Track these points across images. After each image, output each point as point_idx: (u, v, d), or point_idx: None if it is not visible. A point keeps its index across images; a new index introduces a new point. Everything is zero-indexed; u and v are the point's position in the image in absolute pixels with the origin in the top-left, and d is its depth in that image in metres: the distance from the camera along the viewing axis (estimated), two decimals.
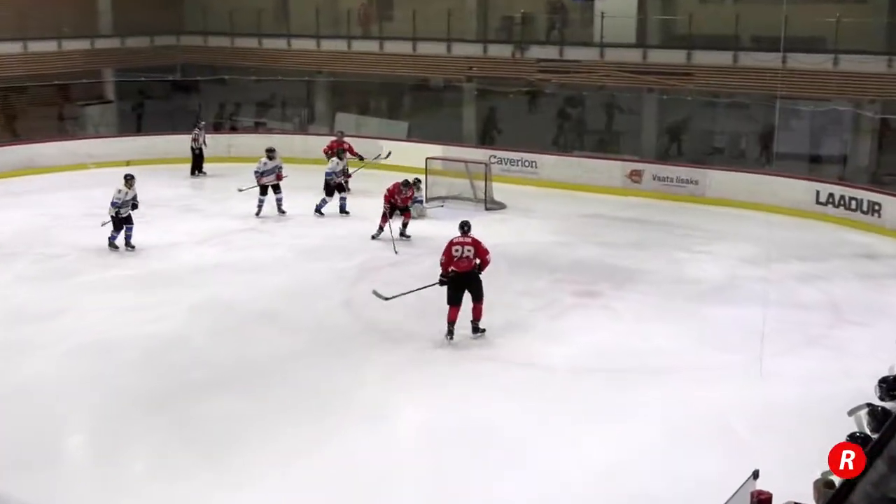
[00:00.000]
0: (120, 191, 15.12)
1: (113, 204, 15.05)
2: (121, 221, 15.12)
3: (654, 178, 19.53)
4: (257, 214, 17.54)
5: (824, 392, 9.67)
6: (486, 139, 23.02)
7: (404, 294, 12.02)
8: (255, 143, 23.20)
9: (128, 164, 22.52)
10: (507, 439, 8.87)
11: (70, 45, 24.51)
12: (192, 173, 21.44)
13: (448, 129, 23.05)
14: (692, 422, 9.23)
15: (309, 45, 24.51)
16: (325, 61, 24.61)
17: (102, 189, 19.85)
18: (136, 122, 26.24)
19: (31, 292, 13.25)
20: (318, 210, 17.66)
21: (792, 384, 10.05)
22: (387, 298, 11.91)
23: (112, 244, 15.14)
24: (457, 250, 11.26)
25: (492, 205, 18.46)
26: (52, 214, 17.81)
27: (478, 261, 11.33)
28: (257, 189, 17.63)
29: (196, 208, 18.67)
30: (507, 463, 8.51)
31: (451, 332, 11.28)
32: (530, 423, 9.22)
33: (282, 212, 17.71)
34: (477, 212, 17.96)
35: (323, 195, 17.71)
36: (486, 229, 16.45)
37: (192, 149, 21.50)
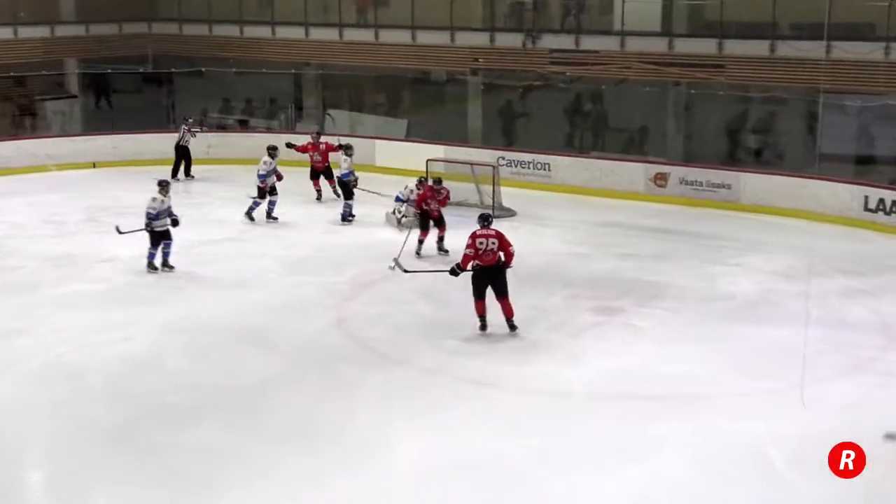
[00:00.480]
0: (154, 199, 14.59)
1: (147, 215, 14.51)
2: (159, 236, 14.65)
3: (680, 182, 19.59)
4: (249, 215, 17.77)
5: (873, 422, 9.68)
6: (509, 137, 23.05)
7: (422, 272, 13.73)
8: (237, 142, 23.36)
9: (93, 165, 22.69)
10: (516, 475, 8.88)
11: (28, 32, 24.61)
12: (174, 175, 21.43)
13: (451, 128, 23.13)
14: (725, 456, 9.25)
15: (296, 33, 24.62)
16: (314, 52, 24.72)
17: (64, 194, 20.11)
18: (101, 118, 26.34)
19: None
20: (345, 218, 17.95)
21: (837, 413, 10.06)
22: (406, 271, 13.43)
23: (151, 265, 14.67)
24: (481, 243, 12.00)
25: (500, 211, 18.47)
26: (7, 222, 17.90)
27: (501, 254, 12.03)
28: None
29: None
30: (515, 502, 8.51)
31: (484, 325, 12.17)
32: (542, 457, 9.22)
33: (273, 218, 17.88)
34: None
35: (343, 201, 18.05)
36: None
37: (177, 147, 21.49)
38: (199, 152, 22.31)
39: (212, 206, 18.81)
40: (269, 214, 17.86)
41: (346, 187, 18.04)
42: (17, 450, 9.47)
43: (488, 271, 11.97)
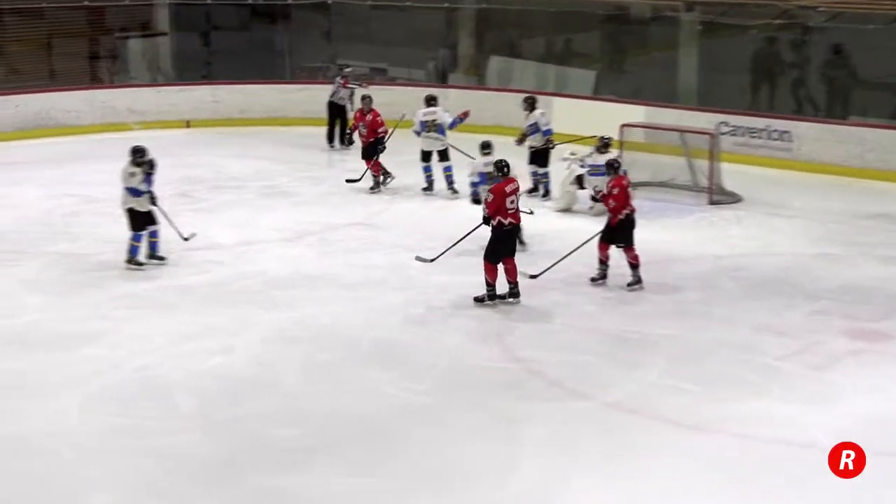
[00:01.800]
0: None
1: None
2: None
3: None
4: (428, 189, 18.71)
5: None
6: (801, 102, 22.65)
7: (449, 248, 14.54)
8: (374, 96, 23.57)
9: (187, 124, 23.40)
10: None
11: None
12: (330, 140, 22.00)
13: (656, 83, 23.02)
14: None
15: None
16: None
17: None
18: (199, 64, 27.07)
19: (45, 308, 13.81)
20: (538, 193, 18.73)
21: None
22: (430, 260, 14.44)
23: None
24: (512, 201, 13.52)
25: (720, 196, 18.32)
26: (76, 196, 18.72)
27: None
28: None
29: (285, 191, 19.23)
30: None
31: (493, 295, 13.61)
32: None
33: (453, 191, 18.52)
34: (697, 206, 17.86)
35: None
36: (709, 232, 16.36)
37: (330, 105, 21.97)
38: (322, 109, 22.66)
39: (336, 181, 19.14)
40: (449, 184, 18.68)
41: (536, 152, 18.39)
42: (84, 491, 9.70)
43: (515, 230, 13.69)
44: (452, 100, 21.96)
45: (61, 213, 17.75)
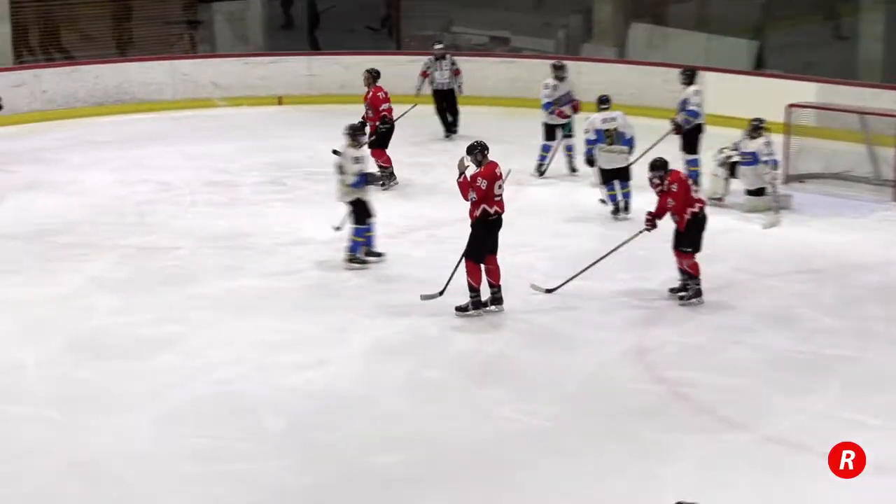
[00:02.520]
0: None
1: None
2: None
3: None
4: (541, 172, 19.03)
5: None
6: None
7: (452, 274, 13.80)
8: (494, 70, 23.67)
9: (279, 101, 23.57)
10: None
11: None
12: (446, 129, 22.01)
13: (831, 55, 22.72)
14: None
15: None
16: None
17: (236, 142, 20.95)
18: (291, 33, 27.29)
19: (116, 310, 14.03)
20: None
21: None
22: (439, 294, 13.86)
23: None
24: (500, 186, 13.52)
25: None
26: (153, 182, 19.01)
27: None
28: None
29: None
30: None
31: (480, 302, 13.59)
32: None
33: (573, 170, 18.90)
34: (881, 202, 17.56)
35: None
36: (891, 234, 16.05)
37: (435, 91, 21.78)
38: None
39: (447, 168, 19.12)
40: (569, 163, 19.02)
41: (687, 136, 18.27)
42: None
43: (499, 222, 13.57)
44: (587, 75, 21.87)
45: (135, 202, 18.01)
